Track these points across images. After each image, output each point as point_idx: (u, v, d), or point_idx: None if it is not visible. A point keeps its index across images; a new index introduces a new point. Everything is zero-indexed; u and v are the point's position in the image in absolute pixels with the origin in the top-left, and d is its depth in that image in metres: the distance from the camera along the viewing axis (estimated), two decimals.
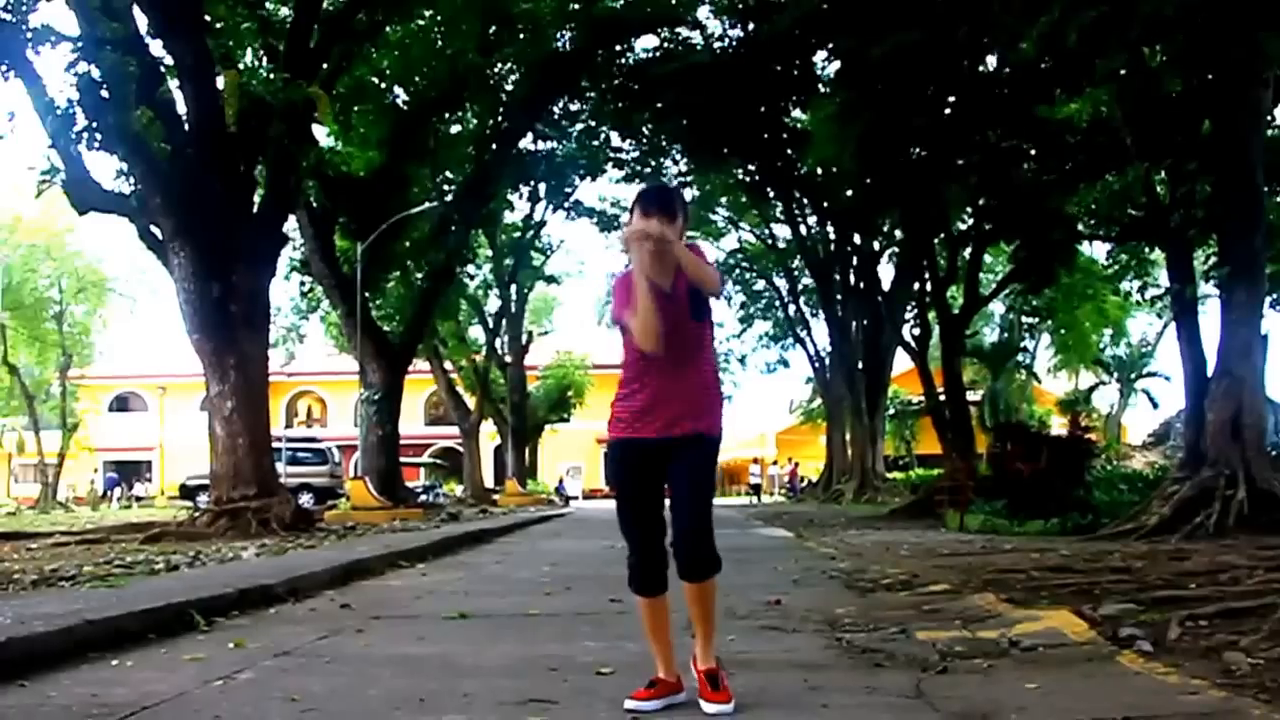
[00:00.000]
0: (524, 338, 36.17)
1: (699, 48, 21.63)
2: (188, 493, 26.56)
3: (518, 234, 31.50)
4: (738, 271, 35.60)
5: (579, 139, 25.96)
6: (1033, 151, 16.07)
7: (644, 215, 3.21)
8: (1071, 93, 13.69)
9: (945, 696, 3.32)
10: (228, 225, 12.89)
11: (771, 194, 28.03)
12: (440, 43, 20.12)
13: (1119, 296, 26.88)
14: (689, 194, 31.30)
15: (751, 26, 20.00)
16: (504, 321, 34.41)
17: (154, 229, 13.23)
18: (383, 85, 21.28)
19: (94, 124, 12.03)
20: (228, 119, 12.66)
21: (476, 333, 35.93)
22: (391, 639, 4.83)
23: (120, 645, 4.39)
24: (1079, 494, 12.78)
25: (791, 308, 34.63)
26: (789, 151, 23.00)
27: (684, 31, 22.18)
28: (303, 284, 25.43)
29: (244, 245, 13.18)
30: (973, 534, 11.91)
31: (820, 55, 19.71)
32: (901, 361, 30.21)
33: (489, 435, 38.51)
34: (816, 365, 33.94)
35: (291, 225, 19.25)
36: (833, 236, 28.21)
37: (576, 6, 20.34)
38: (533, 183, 28.26)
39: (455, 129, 24.13)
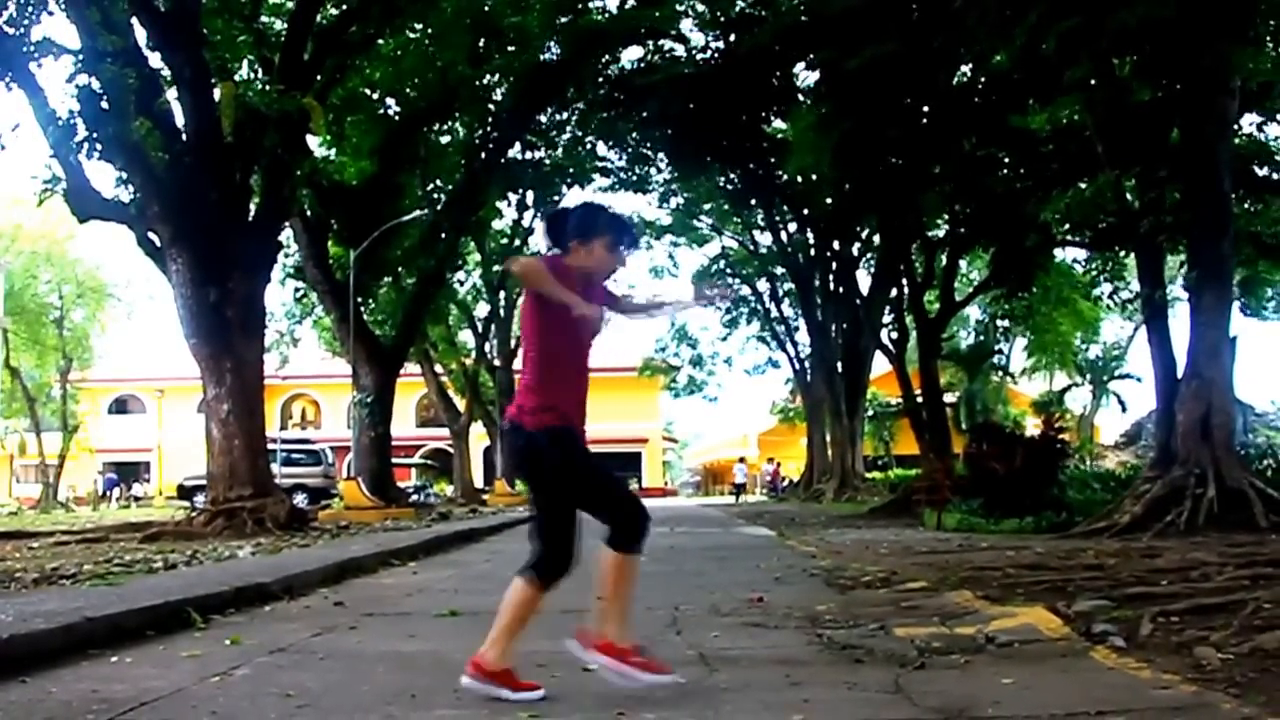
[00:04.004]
0: (512, 342, 36.30)
1: (682, 59, 21.68)
2: (185, 493, 26.60)
3: (506, 240, 31.63)
4: (720, 277, 35.90)
5: (566, 148, 26.08)
6: (1006, 159, 16.20)
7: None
8: (1043, 102, 13.91)
9: (923, 691, 3.35)
10: (224, 232, 13.02)
11: (753, 201, 28.14)
12: (431, 55, 20.19)
13: (1090, 301, 27.17)
14: (674, 202, 31.55)
15: (733, 39, 20.13)
16: (493, 326, 34.51)
17: (152, 236, 13.37)
18: (375, 96, 21.34)
19: (94, 134, 12.13)
20: (224, 129, 12.79)
21: (466, 337, 36.12)
22: (384, 636, 4.88)
23: (119, 642, 4.44)
24: (1053, 493, 12.82)
25: (774, 312, 34.92)
26: (770, 160, 23.10)
27: (668, 44, 22.27)
28: (297, 290, 25.61)
29: (240, 252, 13.30)
30: (950, 532, 11.92)
31: (800, 66, 19.84)
32: (880, 364, 30.40)
33: (478, 437, 38.60)
34: (797, 367, 34.24)
35: (286, 233, 19.39)
36: (812, 242, 28.43)
37: (564, 20, 20.38)
38: (521, 191, 28.44)
39: (445, 139, 24.22)
